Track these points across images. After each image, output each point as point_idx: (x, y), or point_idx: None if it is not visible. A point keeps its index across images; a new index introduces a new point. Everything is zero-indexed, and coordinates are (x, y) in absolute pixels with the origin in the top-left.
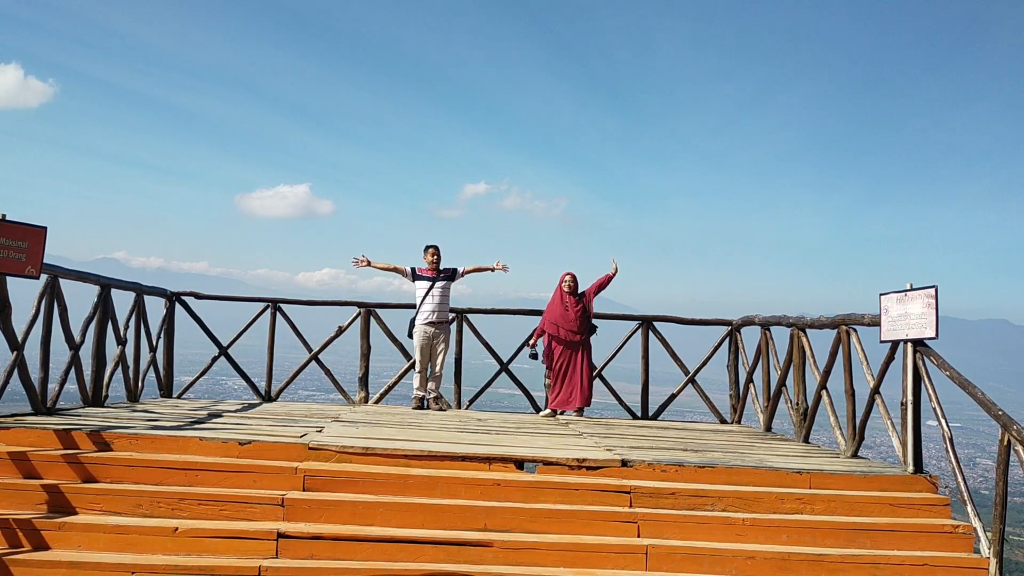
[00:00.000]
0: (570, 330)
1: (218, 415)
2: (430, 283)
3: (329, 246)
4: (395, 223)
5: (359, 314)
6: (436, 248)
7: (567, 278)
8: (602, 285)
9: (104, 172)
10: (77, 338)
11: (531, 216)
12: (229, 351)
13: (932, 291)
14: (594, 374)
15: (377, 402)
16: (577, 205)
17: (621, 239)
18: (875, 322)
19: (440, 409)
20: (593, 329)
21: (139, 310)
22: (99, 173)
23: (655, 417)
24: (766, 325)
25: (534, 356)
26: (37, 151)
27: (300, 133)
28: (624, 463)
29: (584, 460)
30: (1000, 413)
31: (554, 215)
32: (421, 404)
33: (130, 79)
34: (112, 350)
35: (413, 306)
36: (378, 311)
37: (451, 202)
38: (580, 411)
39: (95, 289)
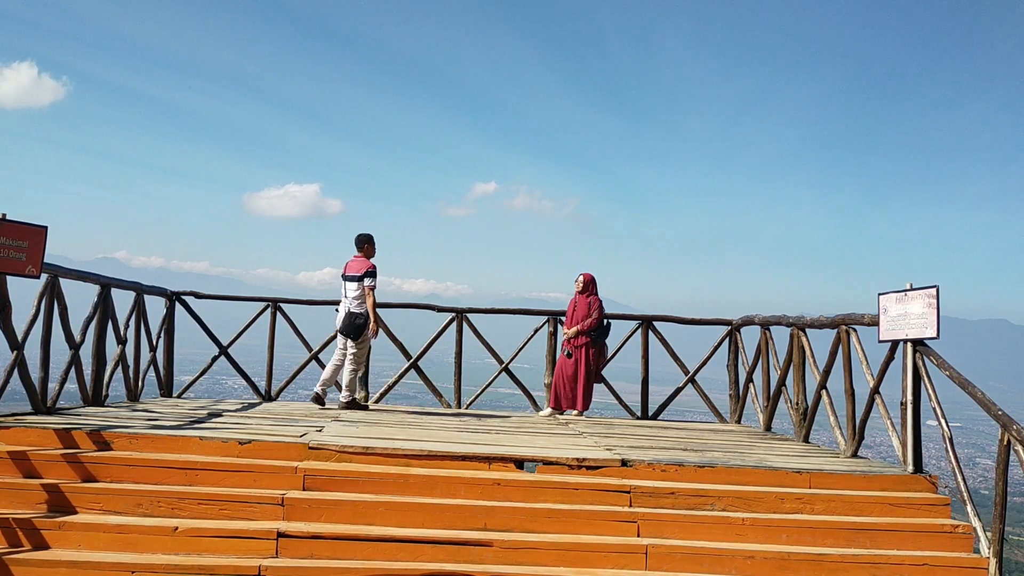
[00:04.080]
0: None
1: (218, 414)
2: None
3: (332, 245)
4: (402, 222)
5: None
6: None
7: (579, 278)
8: (587, 324)
9: (107, 172)
10: (77, 338)
11: (540, 216)
12: (229, 351)
13: (933, 291)
14: (593, 378)
15: (377, 401)
16: (586, 205)
17: (623, 239)
18: (875, 322)
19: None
20: (602, 332)
21: (139, 310)
22: (102, 173)
23: (655, 417)
24: (766, 325)
25: (568, 355)
26: (42, 150)
27: (312, 135)
28: (624, 463)
29: (584, 460)
30: (1000, 413)
31: (563, 215)
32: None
33: (139, 81)
34: (112, 350)
35: (413, 306)
36: (378, 311)
37: (459, 201)
38: (580, 411)
39: (95, 289)
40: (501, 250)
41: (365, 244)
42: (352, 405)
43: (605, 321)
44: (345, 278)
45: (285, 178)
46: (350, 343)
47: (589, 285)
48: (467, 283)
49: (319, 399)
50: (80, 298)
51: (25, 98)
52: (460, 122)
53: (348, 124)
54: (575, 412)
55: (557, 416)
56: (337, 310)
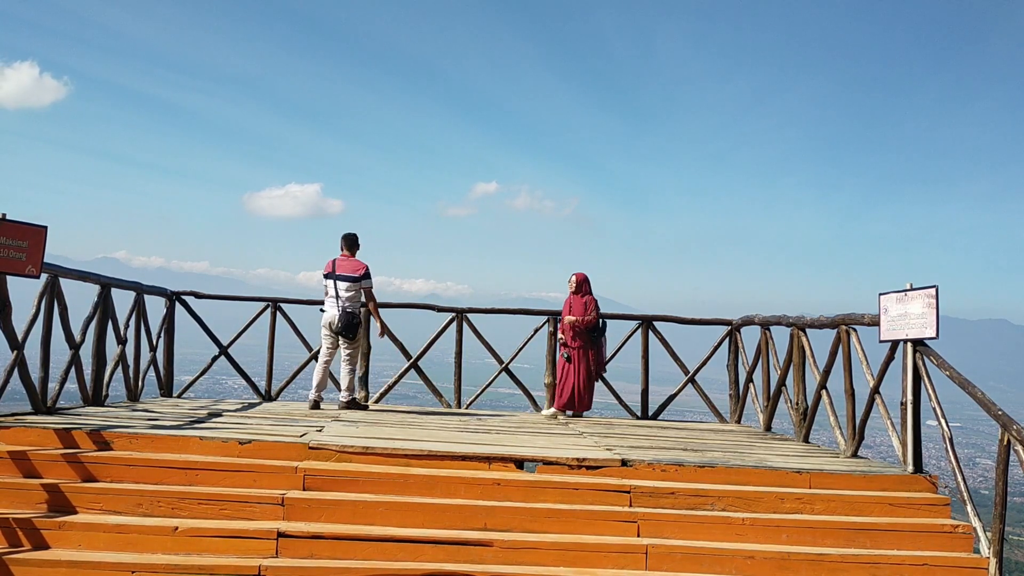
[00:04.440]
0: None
1: (218, 414)
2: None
3: (333, 246)
4: (402, 222)
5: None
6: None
7: (572, 278)
8: (585, 321)
9: (107, 172)
10: (77, 337)
11: (541, 215)
12: (229, 350)
13: (933, 291)
14: (592, 378)
15: (377, 401)
16: (587, 205)
17: (623, 239)
18: (875, 322)
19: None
20: (599, 330)
21: (139, 310)
22: (102, 173)
23: (655, 417)
24: (766, 325)
25: (568, 359)
26: (42, 150)
27: (312, 135)
28: (624, 463)
29: (584, 460)
30: (1000, 413)
31: (564, 215)
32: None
33: (139, 81)
34: (112, 349)
35: (413, 306)
36: (379, 310)
37: (459, 201)
38: (580, 412)
39: (95, 289)
40: (501, 250)
41: (356, 245)
42: (352, 405)
43: (601, 321)
44: (338, 277)
45: (286, 178)
46: (345, 342)
47: (583, 284)
48: (467, 283)
49: (316, 406)
50: (80, 298)
51: (26, 98)
52: (460, 122)
53: (348, 124)
54: (573, 412)
55: (557, 416)
56: (323, 310)
